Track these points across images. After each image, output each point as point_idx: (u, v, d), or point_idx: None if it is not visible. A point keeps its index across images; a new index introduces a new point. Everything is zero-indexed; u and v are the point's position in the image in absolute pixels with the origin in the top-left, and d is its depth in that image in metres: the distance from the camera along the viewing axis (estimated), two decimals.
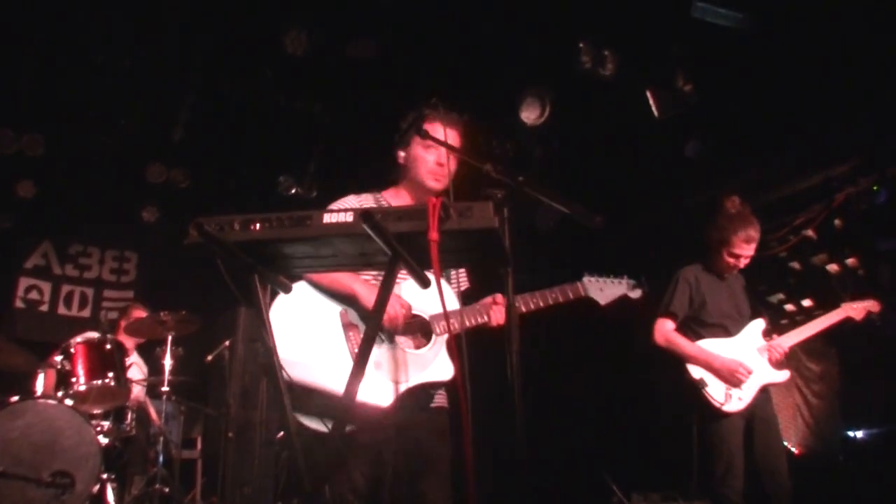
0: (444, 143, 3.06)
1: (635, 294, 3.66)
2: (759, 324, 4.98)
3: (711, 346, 4.88)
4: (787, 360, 4.95)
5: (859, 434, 7.06)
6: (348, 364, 2.91)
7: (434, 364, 3.06)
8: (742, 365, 4.72)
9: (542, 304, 3.29)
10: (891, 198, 6.26)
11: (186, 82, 6.61)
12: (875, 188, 6.28)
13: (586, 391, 7.95)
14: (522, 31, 6.00)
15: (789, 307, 7.30)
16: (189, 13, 5.82)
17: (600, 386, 7.94)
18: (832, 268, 6.94)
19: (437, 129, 3.17)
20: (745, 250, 4.88)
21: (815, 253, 7.00)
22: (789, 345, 4.91)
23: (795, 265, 7.17)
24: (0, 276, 8.41)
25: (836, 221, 6.66)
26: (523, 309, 3.23)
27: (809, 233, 6.82)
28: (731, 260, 4.91)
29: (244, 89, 6.74)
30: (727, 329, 4.93)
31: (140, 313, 6.87)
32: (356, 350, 2.95)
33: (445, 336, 3.07)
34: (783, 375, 4.91)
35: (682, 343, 4.87)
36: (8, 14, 5.79)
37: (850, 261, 6.78)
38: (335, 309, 3.08)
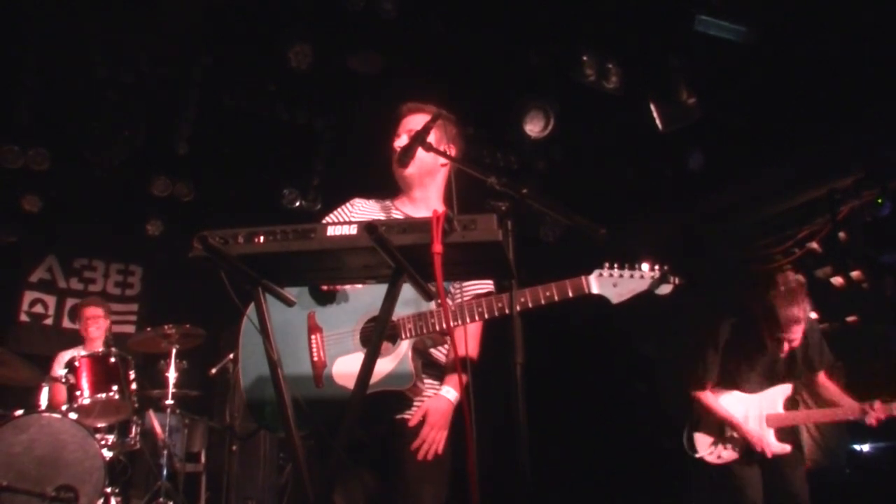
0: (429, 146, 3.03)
1: (663, 290, 2.87)
2: (784, 390, 4.85)
3: (728, 400, 4.88)
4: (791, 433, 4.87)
5: (865, 448, 7.03)
6: (303, 366, 2.88)
7: (392, 372, 2.85)
8: (766, 444, 4.68)
9: (531, 304, 2.79)
10: (894, 210, 6.26)
11: (190, 96, 6.63)
12: (879, 201, 6.27)
13: (589, 400, 7.93)
14: (526, 43, 6.03)
15: None
16: (193, 27, 5.85)
17: (603, 395, 7.93)
18: (837, 281, 6.93)
19: (402, 121, 3.23)
20: (789, 333, 4.59)
21: (820, 266, 6.99)
22: (797, 422, 4.85)
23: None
24: (5, 290, 8.42)
25: (841, 234, 6.65)
26: (507, 311, 2.76)
27: (814, 245, 6.81)
28: (772, 344, 4.69)
29: (248, 103, 6.77)
30: (743, 387, 4.87)
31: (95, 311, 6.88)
32: (315, 354, 2.90)
33: (411, 340, 2.86)
34: (782, 448, 4.74)
35: (716, 407, 4.87)
36: (12, 29, 5.82)
37: (854, 273, 6.76)
38: (305, 311, 2.96)
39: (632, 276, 2.88)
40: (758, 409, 4.83)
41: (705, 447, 4.89)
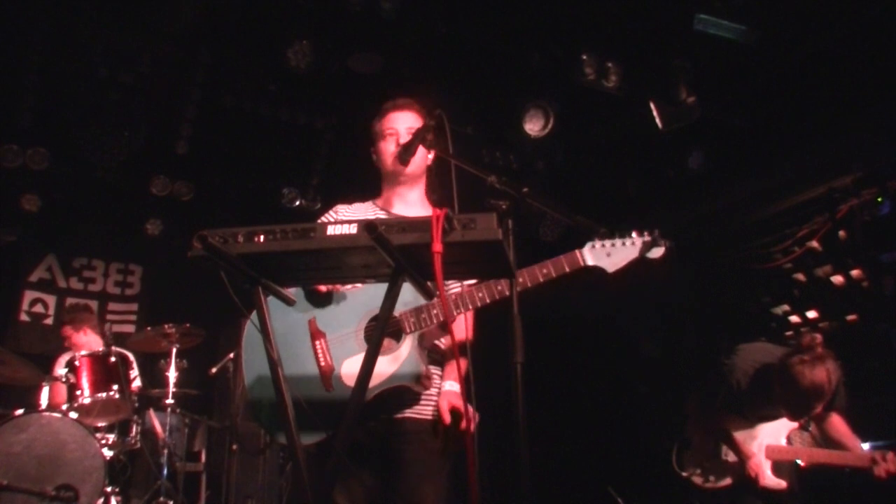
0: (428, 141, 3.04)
1: (655, 254, 2.87)
2: (790, 423, 4.57)
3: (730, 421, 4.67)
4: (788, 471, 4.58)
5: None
6: (311, 373, 2.89)
7: (399, 368, 2.87)
8: (761, 473, 4.45)
9: (529, 283, 2.81)
10: (894, 209, 6.26)
11: (190, 96, 6.63)
12: (878, 199, 6.27)
13: (591, 401, 7.93)
14: (526, 43, 6.02)
15: (794, 319, 7.28)
16: (192, 27, 5.85)
17: (605, 396, 7.92)
18: (837, 279, 6.93)
19: (393, 118, 3.24)
20: (812, 408, 4.26)
21: (820, 264, 6.99)
22: (798, 458, 4.54)
23: (800, 277, 7.15)
24: (5, 290, 8.41)
25: (840, 233, 6.65)
26: (507, 293, 2.75)
27: (814, 244, 6.81)
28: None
29: (247, 102, 6.76)
30: (752, 421, 4.63)
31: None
32: (321, 359, 2.90)
33: (416, 334, 2.88)
34: (777, 483, 4.49)
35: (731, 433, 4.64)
36: (12, 29, 5.82)
37: (854, 272, 6.76)
38: (306, 316, 2.97)
39: (624, 244, 2.89)
40: (759, 436, 4.58)
41: (694, 468, 4.75)
